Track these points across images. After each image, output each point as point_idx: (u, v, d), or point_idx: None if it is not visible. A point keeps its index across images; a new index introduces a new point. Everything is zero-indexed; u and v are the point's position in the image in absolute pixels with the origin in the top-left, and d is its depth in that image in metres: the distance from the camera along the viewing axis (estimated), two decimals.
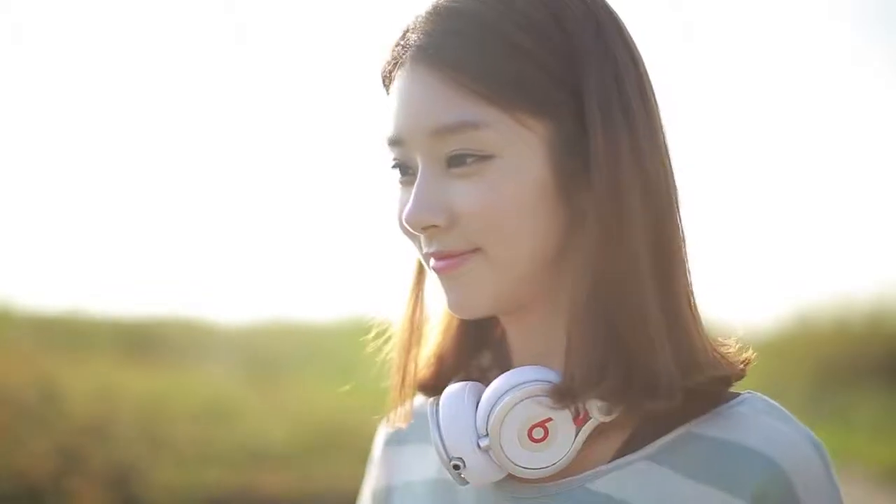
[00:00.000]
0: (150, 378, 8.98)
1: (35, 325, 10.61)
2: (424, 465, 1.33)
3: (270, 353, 12.02)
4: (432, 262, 1.21)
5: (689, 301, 1.21)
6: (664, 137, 1.22)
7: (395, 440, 1.39)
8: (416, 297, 1.31)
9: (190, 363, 10.80)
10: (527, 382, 1.19)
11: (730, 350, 1.23)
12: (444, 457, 1.20)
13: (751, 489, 1.15)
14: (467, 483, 1.21)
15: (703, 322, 1.21)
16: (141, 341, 11.43)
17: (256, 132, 17.09)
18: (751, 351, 1.23)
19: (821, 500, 1.16)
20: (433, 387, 1.31)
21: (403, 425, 1.33)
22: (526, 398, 1.18)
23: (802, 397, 12.26)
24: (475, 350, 1.32)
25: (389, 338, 1.33)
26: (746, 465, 1.16)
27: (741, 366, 1.22)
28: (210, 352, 11.66)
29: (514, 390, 1.18)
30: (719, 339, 1.23)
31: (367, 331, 1.36)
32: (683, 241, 1.21)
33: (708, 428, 1.19)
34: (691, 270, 1.22)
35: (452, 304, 1.21)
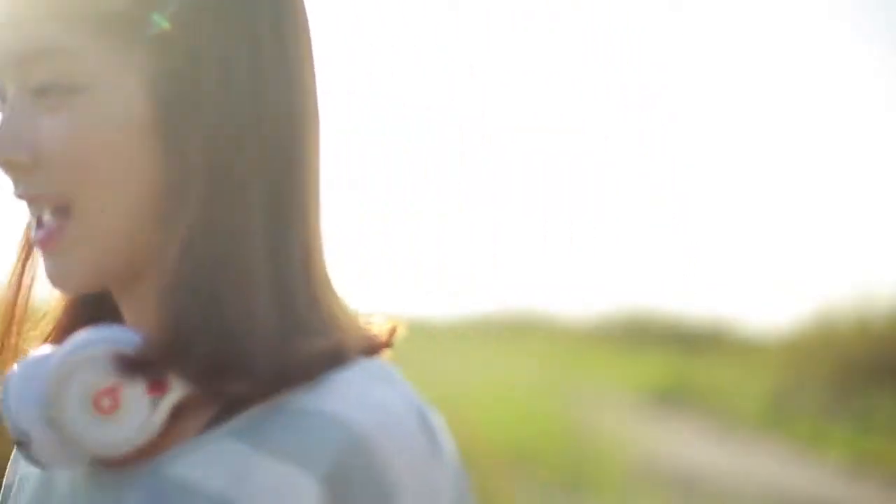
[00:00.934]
0: None
1: None
2: None
3: None
4: (33, 231, 1.06)
5: (310, 261, 1.04)
6: (303, 73, 1.06)
7: None
8: (26, 256, 1.13)
9: None
10: (95, 342, 1.02)
11: (367, 323, 1.06)
12: (12, 431, 1.04)
13: (325, 464, 0.98)
14: (42, 464, 1.05)
15: (332, 289, 1.05)
16: None
17: None
18: (399, 325, 1.07)
19: (415, 479, 0.98)
20: None
21: None
22: (89, 360, 1.01)
23: (823, 397, 12.24)
24: (92, 320, 1.12)
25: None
26: (325, 436, 0.98)
27: (370, 339, 1.05)
28: None
29: (79, 351, 1.01)
30: (355, 312, 1.06)
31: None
32: (315, 194, 1.06)
33: (301, 398, 1.01)
34: (322, 227, 1.06)
35: (51, 277, 1.06)
